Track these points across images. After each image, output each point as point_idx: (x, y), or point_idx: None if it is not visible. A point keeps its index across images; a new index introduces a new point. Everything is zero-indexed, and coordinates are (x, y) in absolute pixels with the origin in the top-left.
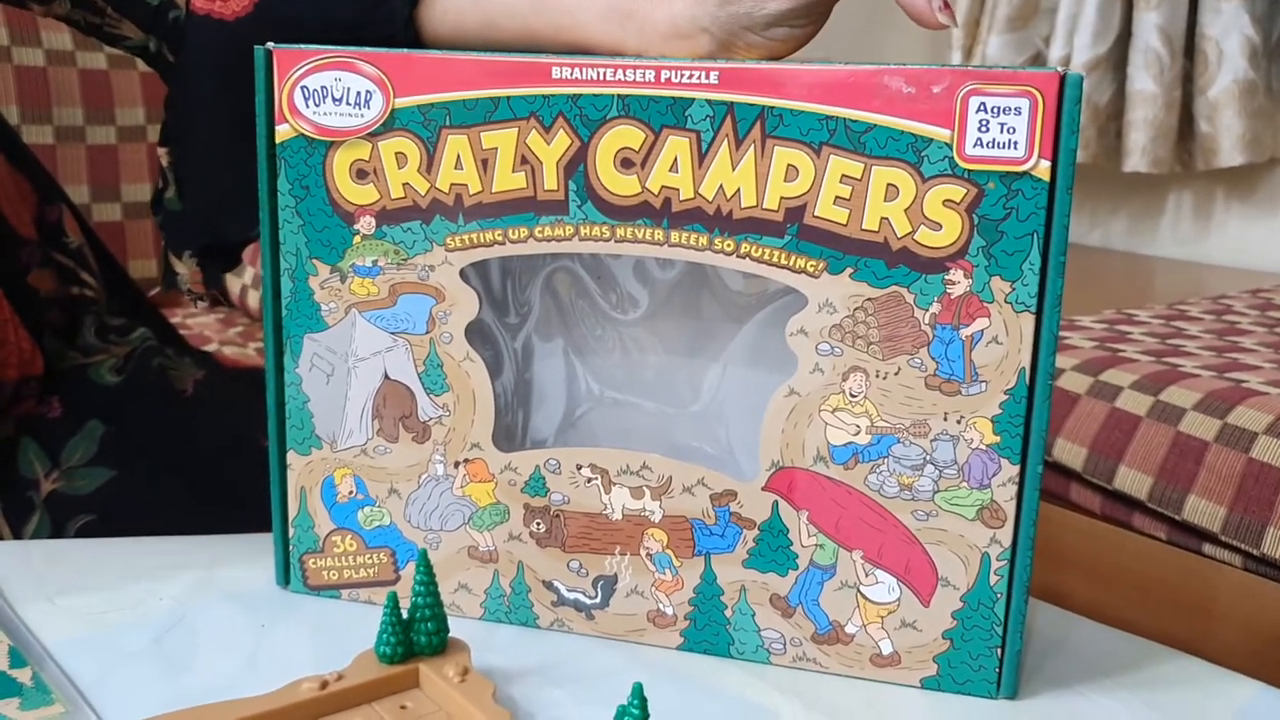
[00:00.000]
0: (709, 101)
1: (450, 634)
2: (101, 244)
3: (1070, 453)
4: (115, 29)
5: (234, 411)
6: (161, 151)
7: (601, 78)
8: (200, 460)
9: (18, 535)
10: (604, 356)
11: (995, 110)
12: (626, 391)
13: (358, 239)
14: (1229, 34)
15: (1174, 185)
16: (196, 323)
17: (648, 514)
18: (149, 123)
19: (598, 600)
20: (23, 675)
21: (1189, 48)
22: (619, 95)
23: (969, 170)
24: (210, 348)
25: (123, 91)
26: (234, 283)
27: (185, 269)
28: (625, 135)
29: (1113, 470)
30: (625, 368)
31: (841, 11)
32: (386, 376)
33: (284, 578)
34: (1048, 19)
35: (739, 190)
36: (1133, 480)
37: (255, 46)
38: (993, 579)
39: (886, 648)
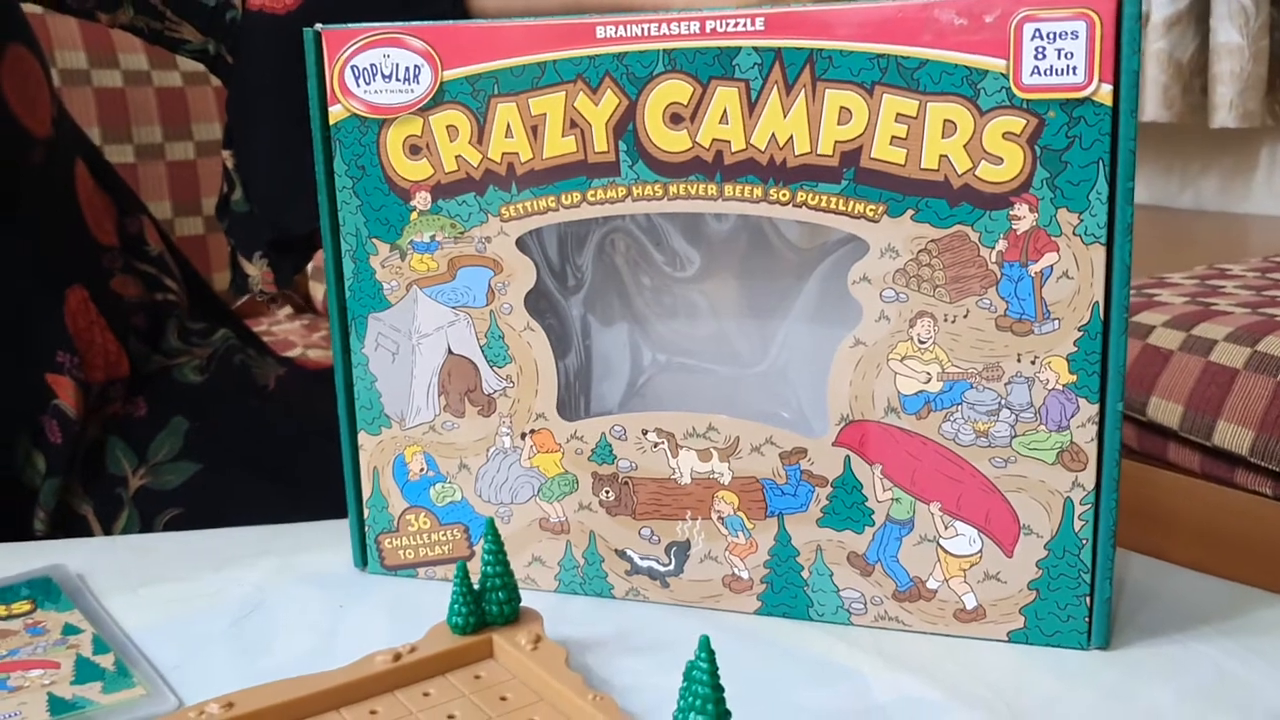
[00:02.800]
0: (756, 49)
1: (523, 604)
2: (181, 254)
3: (1165, 410)
4: (175, 33)
5: (316, 403)
6: (225, 155)
7: (646, 33)
8: (283, 452)
9: (108, 531)
10: (664, 321)
11: (1051, 36)
12: (689, 355)
13: (415, 215)
14: None
15: (1266, 139)
16: (281, 329)
17: (717, 476)
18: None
19: (671, 567)
20: (105, 661)
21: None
22: (664, 50)
23: (1027, 100)
24: (294, 352)
25: (198, 107)
26: (316, 289)
27: (255, 270)
28: (673, 90)
29: (1211, 426)
30: (687, 332)
31: None
32: (450, 351)
33: (361, 559)
34: None
35: (792, 137)
36: (1233, 435)
37: (304, 29)
38: (1077, 524)
39: (970, 602)
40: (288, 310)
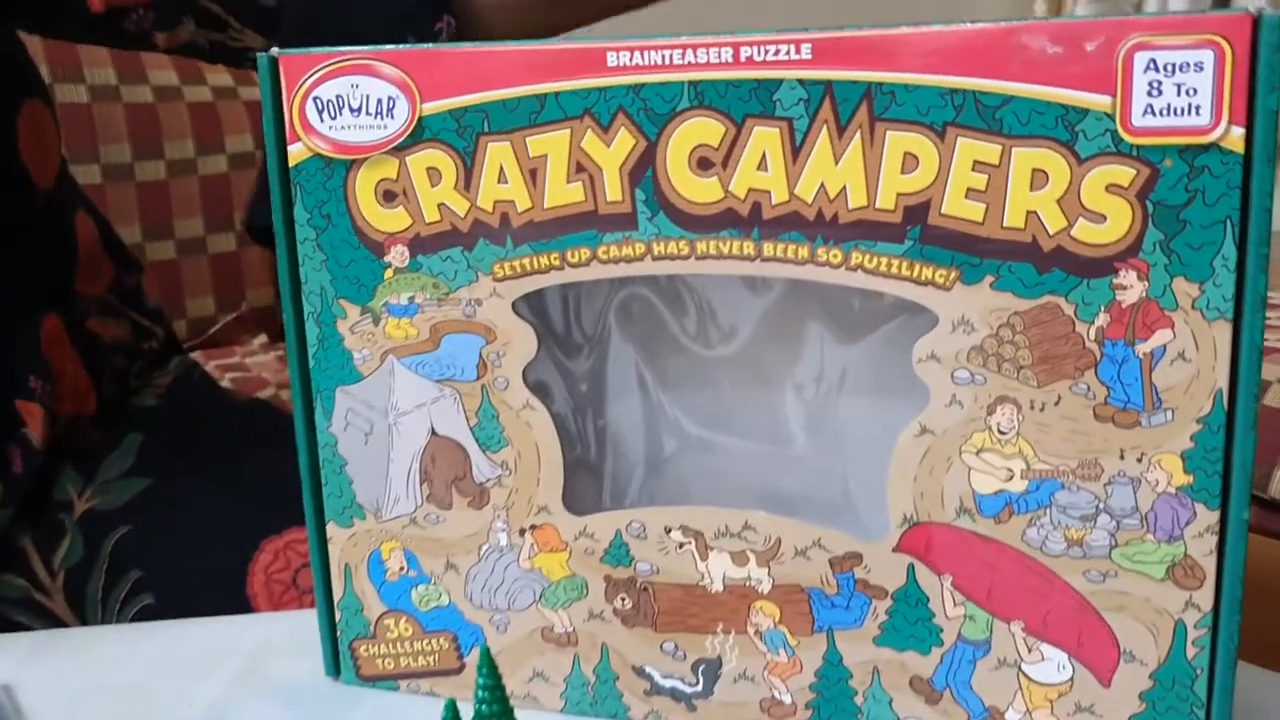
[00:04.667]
0: (801, 81)
1: None
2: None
3: None
4: (239, 41)
5: (279, 420)
6: None
7: (667, 61)
8: (242, 459)
9: (49, 564)
10: (690, 393)
11: (1169, 68)
12: (719, 431)
13: (390, 273)
14: None
15: None
16: (254, 361)
17: (754, 584)
18: (198, 155)
19: (699, 688)
20: None
21: None
22: (690, 82)
23: (1138, 146)
24: (266, 393)
25: (171, 124)
26: None
27: None
28: (701, 130)
29: None
30: (716, 405)
31: None
32: (434, 433)
33: (334, 668)
34: None
35: (845, 188)
36: None
37: (259, 54)
38: (1190, 651)
39: None
40: (262, 339)
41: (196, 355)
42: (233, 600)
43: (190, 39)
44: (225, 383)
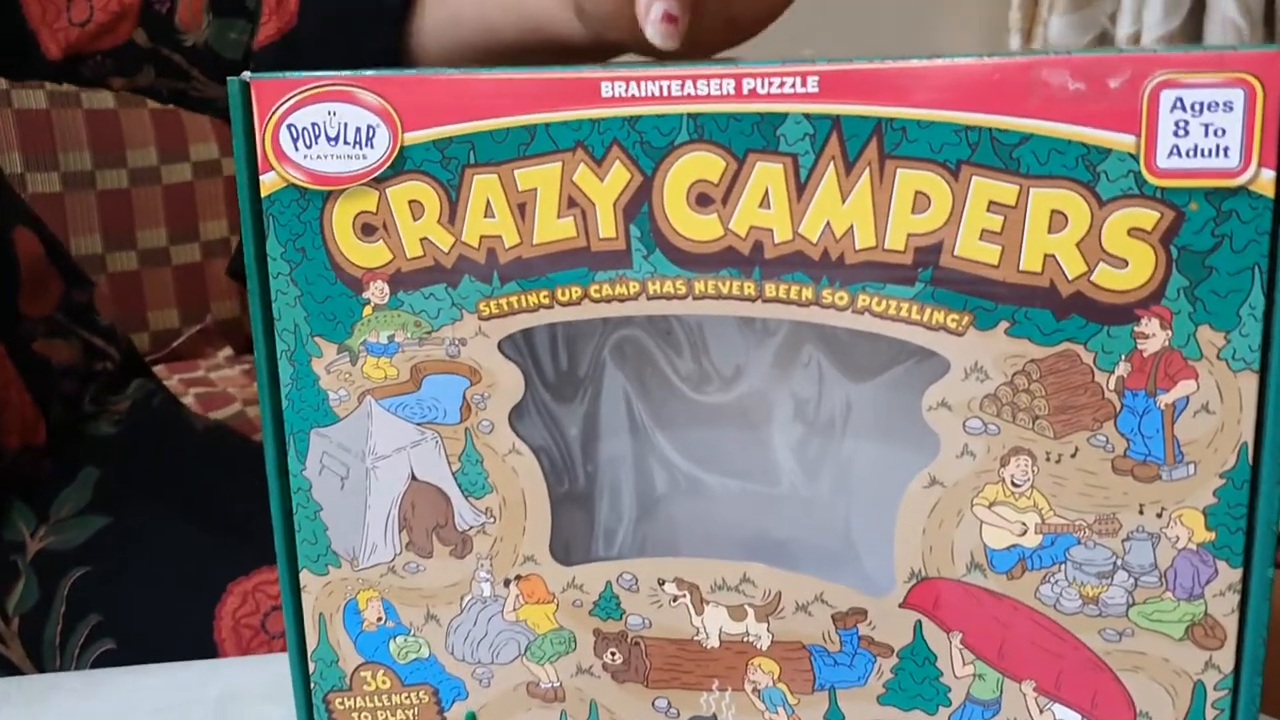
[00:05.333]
0: (807, 115)
1: None
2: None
3: None
4: (201, 92)
5: (245, 448)
6: None
7: (665, 93)
8: (207, 495)
9: (2, 608)
10: (686, 433)
11: (1196, 107)
12: (715, 472)
13: (368, 310)
14: None
15: None
16: (220, 376)
17: (752, 639)
18: (161, 163)
19: None
20: None
21: (1269, 16)
22: (689, 114)
23: (1163, 188)
24: (230, 410)
25: (134, 132)
26: None
27: None
28: (700, 165)
29: None
30: (713, 445)
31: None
32: (414, 477)
33: None
34: None
35: (852, 228)
36: None
37: (229, 78)
38: (1209, 714)
39: None
40: (227, 352)
41: (159, 369)
42: (199, 645)
43: (150, 85)
44: (189, 398)
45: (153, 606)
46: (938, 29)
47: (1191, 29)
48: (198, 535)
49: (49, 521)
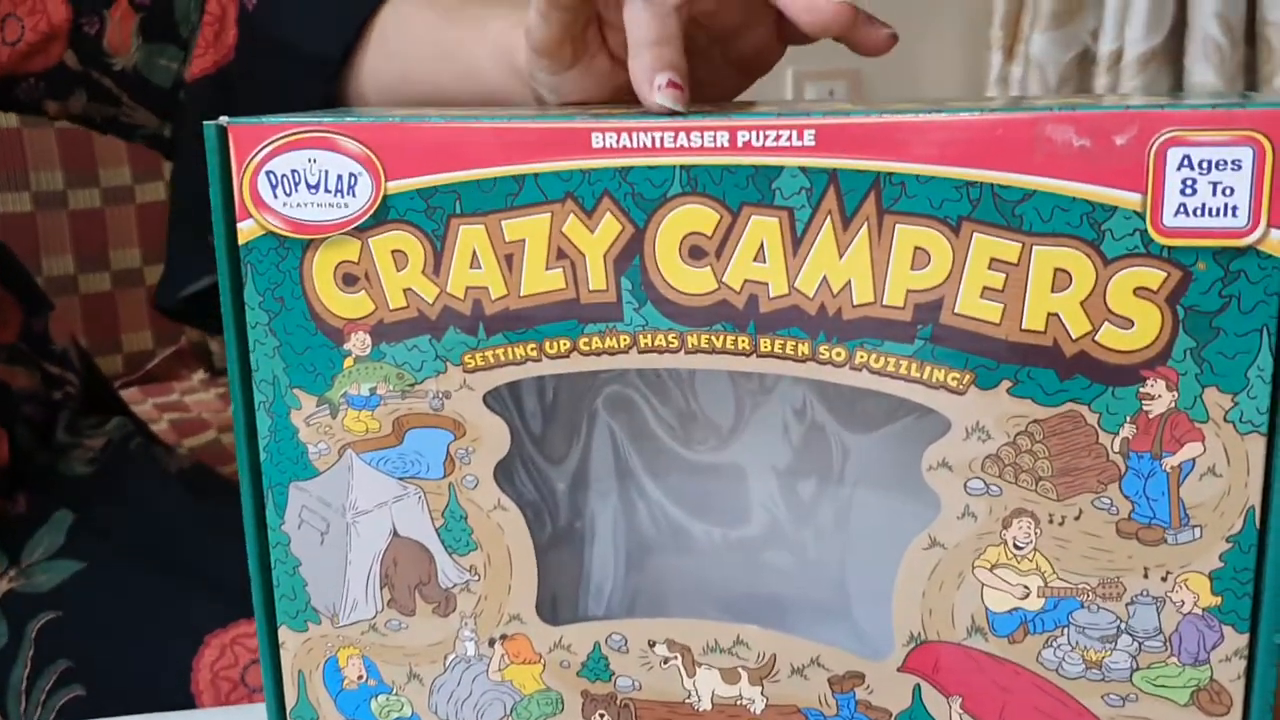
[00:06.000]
0: (804, 169)
1: None
2: (81, 346)
3: None
4: (130, 118)
5: (223, 493)
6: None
7: (657, 144)
8: (181, 545)
9: None
10: (678, 485)
11: (1204, 165)
12: (708, 525)
13: (349, 362)
14: None
15: None
16: (194, 400)
17: (746, 703)
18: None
19: None
20: None
21: (1249, 35)
22: (682, 166)
23: (1169, 247)
24: (205, 436)
25: (105, 151)
26: None
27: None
28: (693, 217)
29: None
30: (705, 499)
31: (869, 10)
32: (396, 533)
33: None
34: (1095, 11)
35: (849, 283)
36: None
37: (205, 122)
38: None
39: None
40: (201, 374)
41: (133, 392)
42: (175, 696)
43: (83, 110)
44: (163, 424)
45: (126, 655)
46: (919, 47)
47: (1173, 47)
48: (174, 586)
49: (20, 565)
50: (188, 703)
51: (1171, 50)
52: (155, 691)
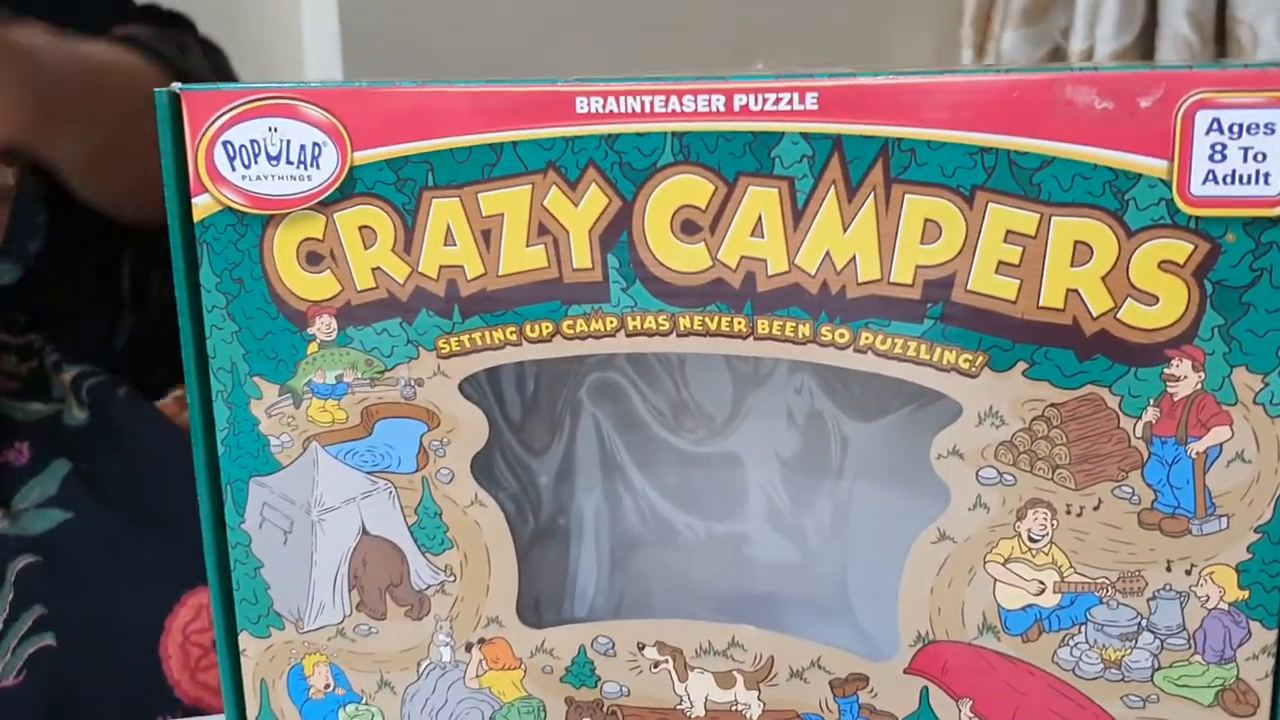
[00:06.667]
0: (805, 135)
1: None
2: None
3: None
4: None
5: None
6: None
7: (647, 109)
8: (171, 501)
9: None
10: (667, 477)
11: (1235, 129)
12: (699, 519)
13: (314, 347)
14: (1263, 16)
15: None
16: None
17: (742, 708)
18: None
19: None
20: None
21: (1220, 33)
22: (674, 133)
23: (1197, 218)
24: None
25: None
26: None
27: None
28: (685, 188)
29: None
30: (697, 491)
31: (840, 7)
32: (365, 532)
33: None
34: (1065, 9)
35: (854, 259)
36: None
37: (157, 90)
38: None
39: None
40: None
41: None
42: (143, 657)
43: None
44: None
45: (100, 608)
46: (889, 45)
47: (1144, 45)
48: (158, 540)
49: (10, 510)
50: (154, 664)
51: (1142, 48)
52: (122, 649)
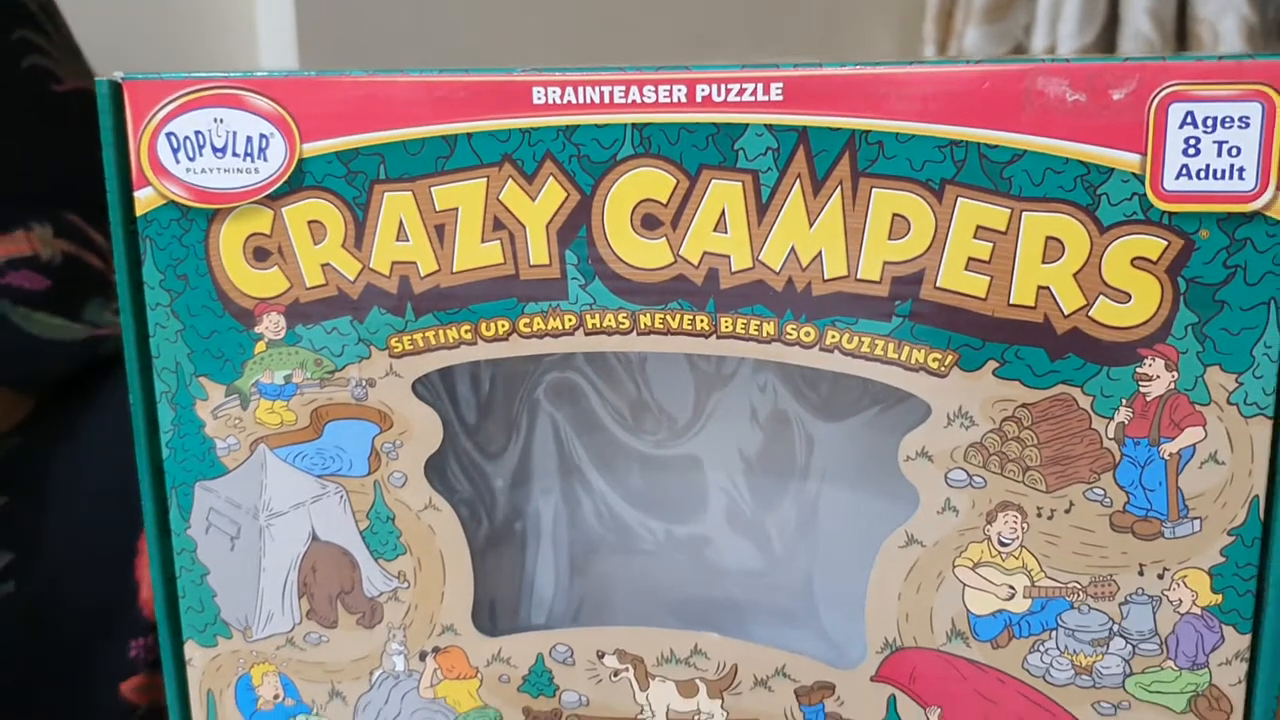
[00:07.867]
0: (770, 127)
1: None
2: None
3: None
4: None
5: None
6: None
7: (607, 99)
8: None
9: None
10: (627, 480)
11: (1209, 122)
12: (660, 523)
13: (261, 346)
14: (1224, 15)
15: None
16: None
17: (705, 717)
18: None
19: None
20: None
21: (1180, 31)
22: (634, 125)
23: (1170, 213)
24: None
25: None
26: None
27: None
28: (646, 182)
29: None
30: (657, 495)
31: (801, 2)
32: (315, 537)
33: None
34: (1027, 7)
35: (820, 254)
36: None
37: (98, 79)
38: None
39: None
40: None
41: None
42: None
43: None
44: None
45: (69, 559)
46: (851, 42)
47: (1105, 43)
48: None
49: None
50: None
51: (1104, 46)
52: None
